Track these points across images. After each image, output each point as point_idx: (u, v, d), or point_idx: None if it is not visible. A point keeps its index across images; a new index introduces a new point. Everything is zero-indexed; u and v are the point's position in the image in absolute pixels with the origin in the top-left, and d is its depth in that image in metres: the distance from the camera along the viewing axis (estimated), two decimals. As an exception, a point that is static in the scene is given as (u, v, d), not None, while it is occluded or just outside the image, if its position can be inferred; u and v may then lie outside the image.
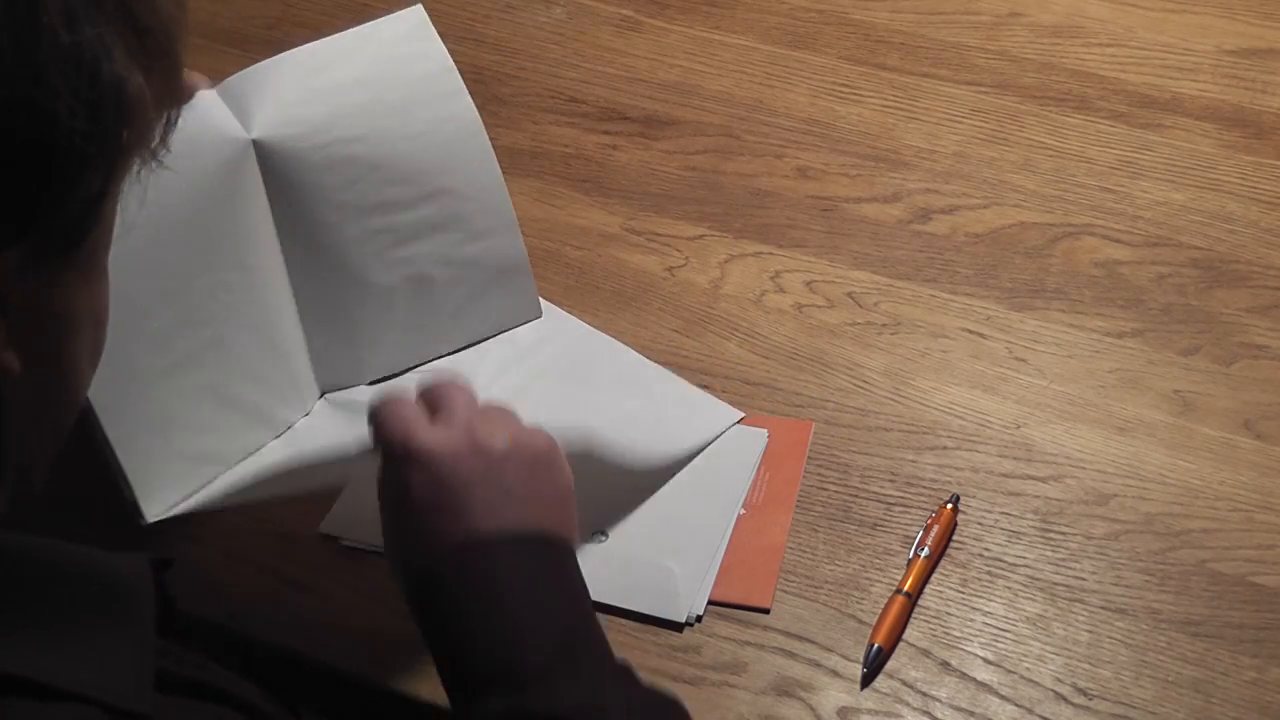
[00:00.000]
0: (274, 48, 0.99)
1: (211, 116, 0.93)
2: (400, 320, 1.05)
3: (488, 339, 1.08)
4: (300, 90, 0.97)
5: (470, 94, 1.30)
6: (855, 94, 1.29)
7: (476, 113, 1.04)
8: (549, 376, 1.06)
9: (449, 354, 1.07)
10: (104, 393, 0.87)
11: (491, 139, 1.26)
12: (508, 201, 1.06)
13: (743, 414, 1.04)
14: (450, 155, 1.03)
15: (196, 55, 0.60)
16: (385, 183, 1.01)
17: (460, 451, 0.76)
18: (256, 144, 0.95)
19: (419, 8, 1.02)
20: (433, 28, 1.01)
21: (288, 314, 1.00)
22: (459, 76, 1.02)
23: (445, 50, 1.02)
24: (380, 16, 1.01)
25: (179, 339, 0.93)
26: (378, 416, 0.79)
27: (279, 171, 0.96)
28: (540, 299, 1.10)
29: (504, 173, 1.23)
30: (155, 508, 0.92)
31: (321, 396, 1.03)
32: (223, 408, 0.96)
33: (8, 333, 0.52)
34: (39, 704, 0.52)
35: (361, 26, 1.00)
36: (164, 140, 0.57)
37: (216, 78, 0.96)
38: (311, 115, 0.97)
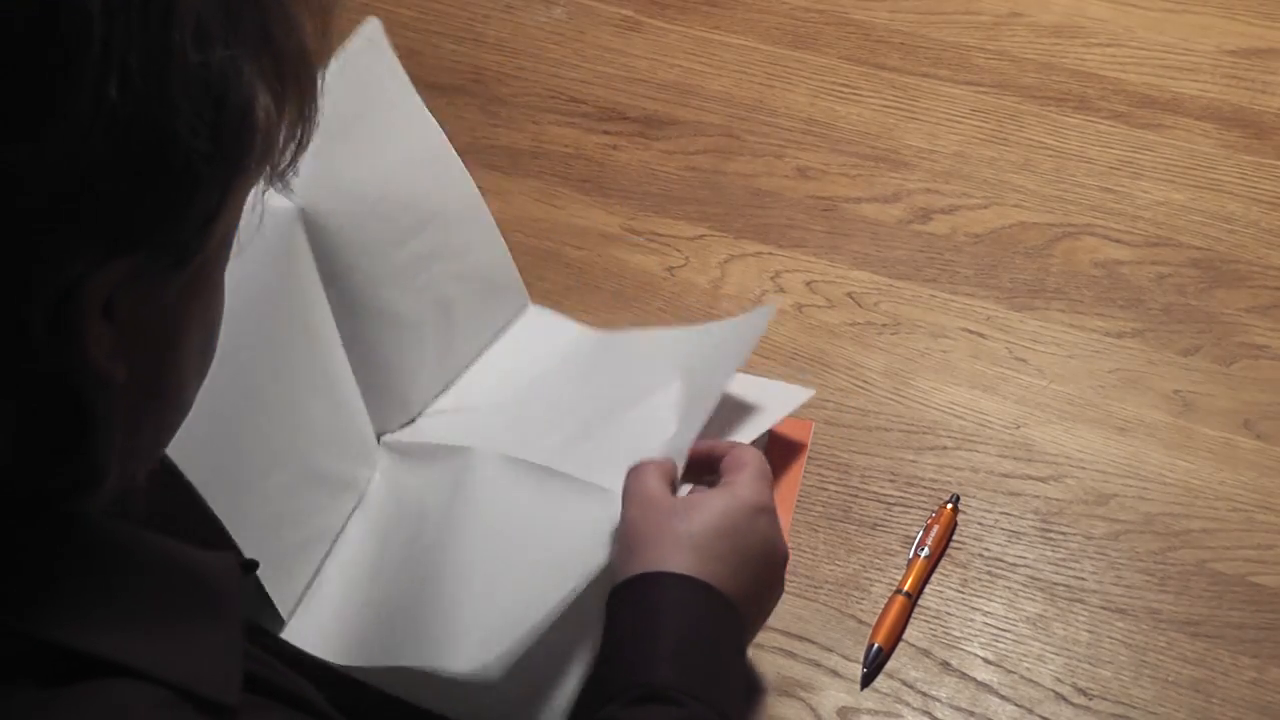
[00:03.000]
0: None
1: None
2: (431, 349, 1.05)
3: (492, 344, 1.09)
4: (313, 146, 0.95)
5: (470, 94, 1.31)
6: (855, 94, 1.29)
7: (435, 122, 1.04)
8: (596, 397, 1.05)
9: (466, 366, 1.08)
10: (223, 502, 0.86)
11: (491, 139, 1.26)
12: (481, 201, 1.07)
13: (809, 391, 1.04)
14: (432, 173, 1.04)
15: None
16: (397, 215, 1.01)
17: (747, 507, 0.84)
18: (302, 210, 0.93)
19: (376, 23, 1.00)
20: (386, 41, 1.00)
21: (344, 372, 0.99)
22: (415, 93, 1.02)
23: (400, 67, 1.01)
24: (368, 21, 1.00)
25: (275, 431, 0.92)
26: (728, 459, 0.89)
27: (318, 230, 0.95)
28: (547, 310, 1.11)
29: (504, 173, 1.23)
30: (287, 603, 0.92)
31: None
32: (317, 487, 0.96)
33: (115, 341, 0.53)
34: (130, 685, 0.53)
35: (334, 61, 0.97)
36: (293, 163, 0.57)
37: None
38: (327, 168, 0.95)
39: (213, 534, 0.89)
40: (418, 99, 1.03)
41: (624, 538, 0.84)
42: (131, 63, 0.48)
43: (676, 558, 0.81)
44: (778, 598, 0.87)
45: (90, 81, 0.47)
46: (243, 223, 0.58)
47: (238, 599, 0.62)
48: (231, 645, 0.59)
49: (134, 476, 0.60)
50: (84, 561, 0.56)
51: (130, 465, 0.59)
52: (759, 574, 0.84)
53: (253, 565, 0.71)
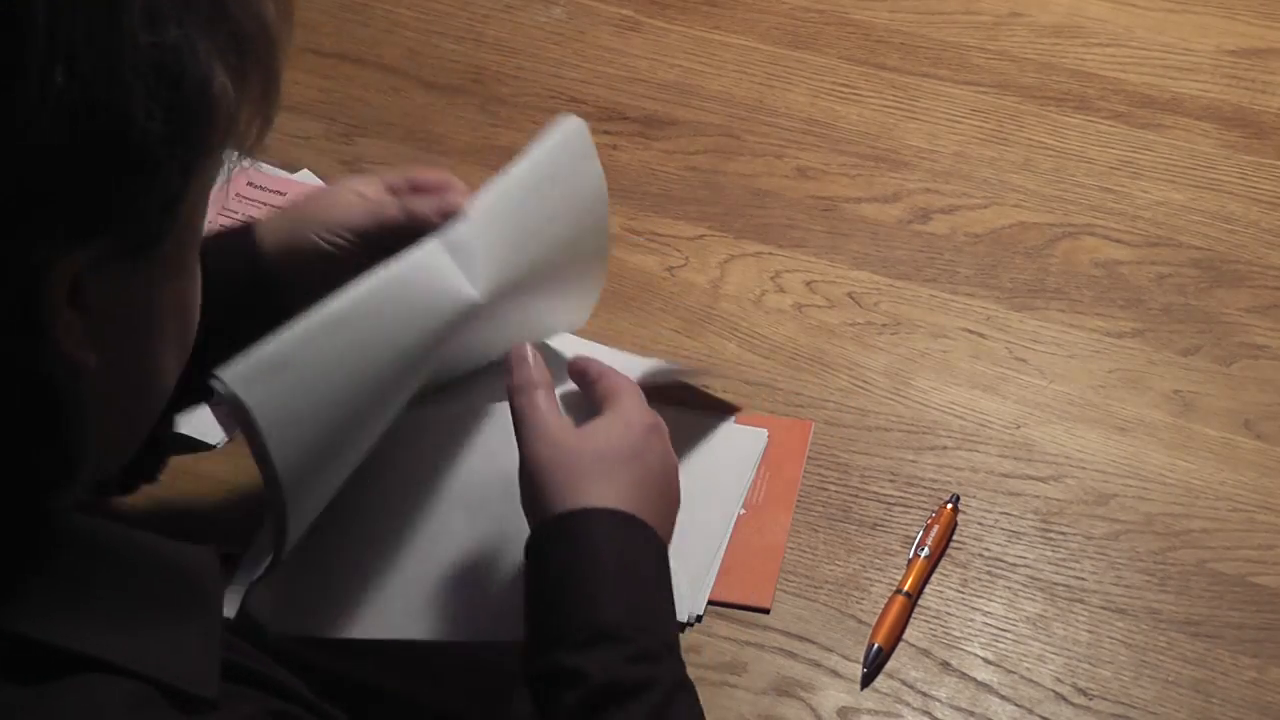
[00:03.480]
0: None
1: (446, 278, 0.88)
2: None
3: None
4: (506, 241, 0.92)
5: (470, 94, 1.31)
6: (855, 94, 1.29)
7: (607, 227, 1.01)
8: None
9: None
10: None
11: (491, 139, 1.26)
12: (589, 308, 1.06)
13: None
14: (577, 276, 1.02)
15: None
16: (543, 301, 0.99)
17: (640, 429, 0.84)
18: (477, 307, 0.89)
19: (581, 123, 0.96)
20: (591, 141, 0.97)
21: None
22: (604, 196, 0.99)
23: (600, 170, 0.98)
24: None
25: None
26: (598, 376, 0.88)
27: (473, 323, 0.91)
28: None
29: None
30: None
31: None
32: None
33: (85, 329, 0.53)
34: (107, 680, 0.53)
35: (541, 148, 0.94)
36: (258, 142, 0.57)
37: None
38: (514, 268, 0.92)
39: (187, 528, 0.88)
40: (604, 201, 0.99)
41: (534, 475, 0.81)
42: (79, 49, 0.48)
43: (595, 491, 0.80)
44: (677, 509, 0.86)
45: (36, 69, 0.47)
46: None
47: (217, 590, 0.62)
48: (210, 637, 0.59)
49: (110, 468, 0.60)
50: (59, 556, 0.56)
51: (106, 456, 0.59)
52: (664, 491, 0.84)
53: (230, 556, 0.70)
